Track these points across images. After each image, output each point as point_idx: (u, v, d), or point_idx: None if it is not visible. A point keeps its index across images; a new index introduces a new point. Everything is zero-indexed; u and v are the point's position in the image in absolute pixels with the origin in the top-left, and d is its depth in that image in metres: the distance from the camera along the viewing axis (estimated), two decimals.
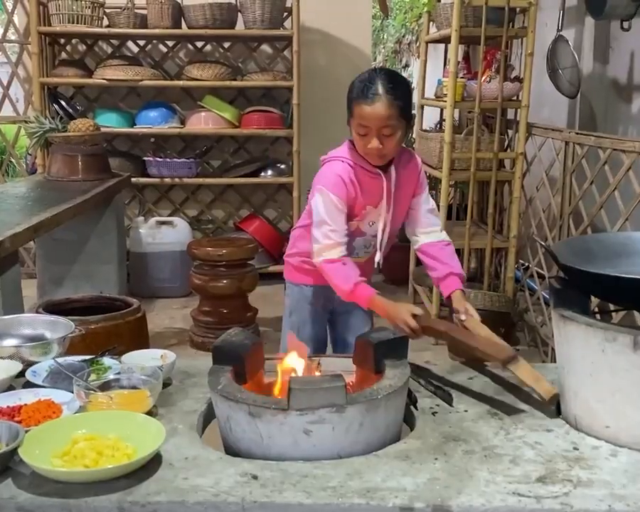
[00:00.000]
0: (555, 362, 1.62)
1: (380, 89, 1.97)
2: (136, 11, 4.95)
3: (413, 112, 2.82)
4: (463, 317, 1.95)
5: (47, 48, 5.11)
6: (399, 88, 2.01)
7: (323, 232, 2.06)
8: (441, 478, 1.32)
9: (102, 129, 4.59)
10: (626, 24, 3.60)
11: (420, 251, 2.22)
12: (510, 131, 4.48)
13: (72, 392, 1.56)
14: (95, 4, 4.89)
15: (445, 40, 4.43)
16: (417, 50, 7.91)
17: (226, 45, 5.42)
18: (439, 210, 4.24)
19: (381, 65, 10.24)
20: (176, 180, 5.13)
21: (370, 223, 2.16)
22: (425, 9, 4.94)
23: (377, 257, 2.22)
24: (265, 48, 5.48)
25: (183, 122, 5.17)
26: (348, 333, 2.36)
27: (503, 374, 1.83)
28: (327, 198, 2.06)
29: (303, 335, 2.25)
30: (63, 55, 5.36)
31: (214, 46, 5.43)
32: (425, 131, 4.72)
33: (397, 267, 5.40)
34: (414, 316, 1.90)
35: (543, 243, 1.67)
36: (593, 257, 1.59)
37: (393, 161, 2.12)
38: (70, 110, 5.05)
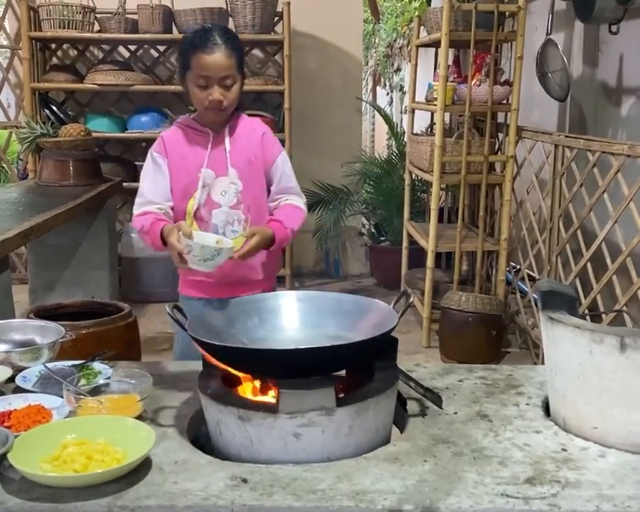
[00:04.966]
0: None
1: (219, 39, 1.99)
2: (127, 16, 4.96)
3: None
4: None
5: (38, 53, 5.12)
6: (235, 40, 2.06)
7: (138, 193, 2.07)
8: (430, 480, 1.33)
9: (94, 134, 4.60)
10: (614, 28, 3.62)
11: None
12: (500, 135, 4.50)
13: (62, 397, 1.56)
14: (86, 9, 4.90)
15: (435, 44, 4.45)
16: (409, 54, 7.93)
17: None
18: (430, 213, 4.31)
19: (373, 69, 10.26)
20: None
21: (223, 192, 2.09)
22: (416, 13, 4.96)
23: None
24: (256, 52, 5.49)
25: None
26: None
27: (493, 376, 1.83)
28: (148, 159, 2.09)
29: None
30: (54, 60, 5.37)
31: None
32: (416, 134, 4.74)
33: (388, 269, 5.44)
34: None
35: None
36: None
37: (229, 123, 2.11)
38: (61, 115, 5.05)
